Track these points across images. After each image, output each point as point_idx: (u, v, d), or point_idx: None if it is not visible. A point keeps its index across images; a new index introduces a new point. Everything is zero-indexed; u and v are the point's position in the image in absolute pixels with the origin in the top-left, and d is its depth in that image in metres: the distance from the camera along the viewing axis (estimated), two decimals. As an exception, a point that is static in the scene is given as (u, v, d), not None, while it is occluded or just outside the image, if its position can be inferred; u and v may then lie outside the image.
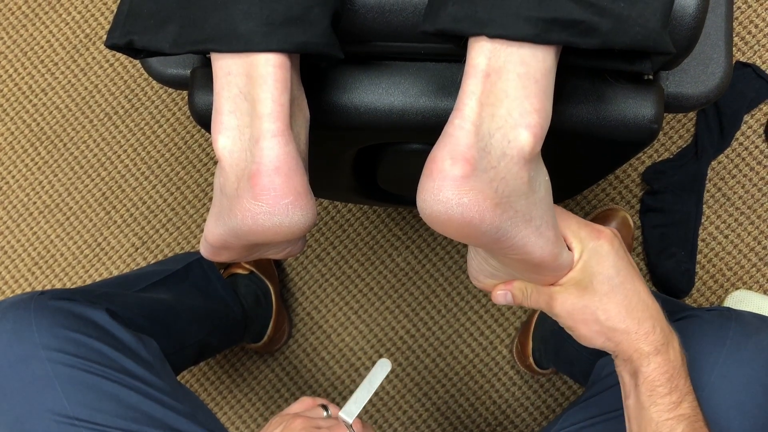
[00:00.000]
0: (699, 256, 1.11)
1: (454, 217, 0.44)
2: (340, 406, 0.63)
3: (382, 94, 0.58)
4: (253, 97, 0.47)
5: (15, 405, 0.64)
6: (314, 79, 0.57)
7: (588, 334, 0.53)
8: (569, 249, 0.52)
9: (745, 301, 1.07)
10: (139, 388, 0.66)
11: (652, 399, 0.51)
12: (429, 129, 0.58)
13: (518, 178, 0.45)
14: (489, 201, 0.44)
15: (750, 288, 1.10)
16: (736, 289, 1.10)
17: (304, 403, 0.66)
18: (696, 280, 1.11)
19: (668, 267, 1.09)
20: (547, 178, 0.49)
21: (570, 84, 0.57)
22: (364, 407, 1.11)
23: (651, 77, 0.59)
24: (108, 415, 0.63)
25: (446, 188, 0.44)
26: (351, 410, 0.61)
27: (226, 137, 0.48)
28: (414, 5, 0.53)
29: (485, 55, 0.44)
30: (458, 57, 0.47)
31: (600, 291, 0.51)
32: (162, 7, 0.49)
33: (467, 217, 0.44)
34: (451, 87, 0.58)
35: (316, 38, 0.48)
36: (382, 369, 0.63)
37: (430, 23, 0.46)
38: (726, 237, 1.11)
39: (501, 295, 0.56)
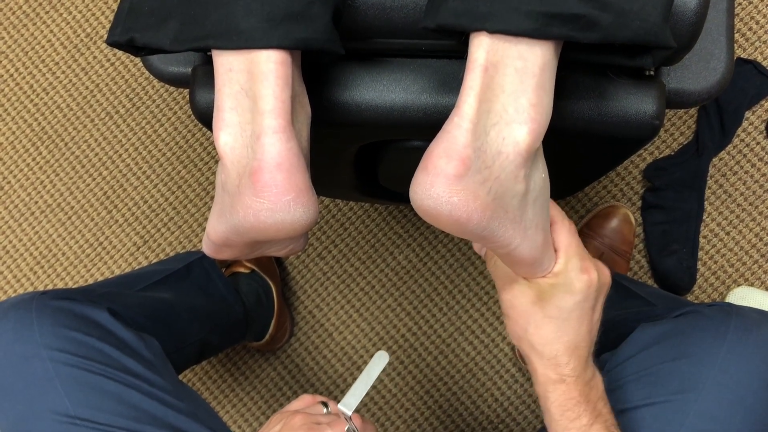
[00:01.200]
0: (701, 253, 1.11)
1: (443, 214, 0.45)
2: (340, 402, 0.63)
3: (383, 90, 0.58)
4: (255, 93, 0.47)
5: (17, 405, 0.64)
6: (315, 75, 0.57)
7: (512, 331, 0.55)
8: (558, 264, 0.53)
9: (747, 297, 1.07)
10: (141, 387, 0.66)
11: (563, 423, 0.54)
12: (430, 126, 0.58)
13: (513, 177, 0.46)
14: (479, 202, 0.45)
15: (752, 285, 1.10)
16: (738, 285, 1.10)
17: (304, 401, 0.66)
18: (698, 277, 1.11)
19: (670, 264, 1.09)
20: (545, 175, 0.49)
21: (571, 80, 0.57)
22: (365, 402, 1.12)
23: (652, 73, 0.59)
24: (109, 414, 0.63)
25: (438, 185, 0.44)
26: (350, 402, 0.61)
27: (227, 134, 0.48)
28: (415, 2, 0.53)
29: (484, 49, 0.44)
30: (460, 53, 0.47)
31: (547, 311, 0.53)
32: (163, 4, 0.49)
33: (455, 216, 0.45)
34: (453, 83, 0.58)
35: (316, 35, 0.48)
36: (380, 361, 0.63)
37: (431, 19, 0.46)
38: (728, 234, 1.11)
39: (478, 248, 0.59)
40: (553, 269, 0.53)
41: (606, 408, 0.56)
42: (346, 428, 0.60)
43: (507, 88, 0.44)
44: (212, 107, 0.50)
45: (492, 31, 0.44)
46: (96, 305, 0.69)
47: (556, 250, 0.54)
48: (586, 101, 0.57)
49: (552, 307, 0.53)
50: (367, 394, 0.62)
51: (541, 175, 0.49)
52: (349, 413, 0.60)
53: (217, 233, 0.51)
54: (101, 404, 0.63)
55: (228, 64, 0.48)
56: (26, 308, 0.66)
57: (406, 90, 0.58)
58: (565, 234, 0.54)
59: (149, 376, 0.67)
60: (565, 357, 0.53)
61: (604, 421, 0.54)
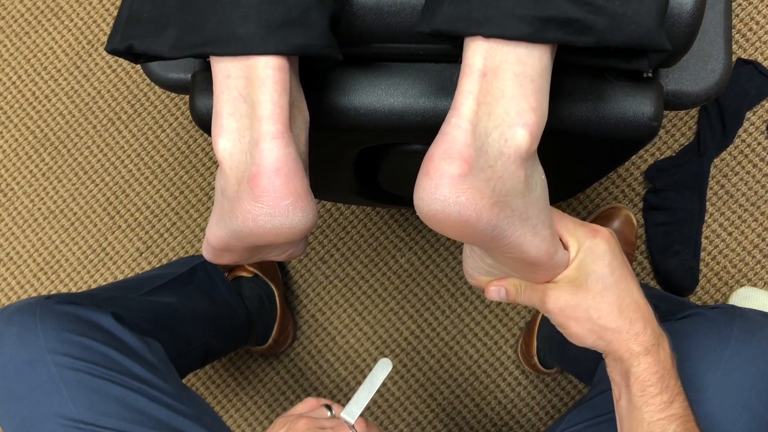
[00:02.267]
0: (703, 254, 1.11)
1: (452, 216, 0.45)
2: (344, 406, 0.63)
3: (381, 95, 0.58)
4: (253, 99, 0.47)
5: (21, 409, 0.64)
6: (313, 80, 0.57)
7: (579, 332, 0.53)
8: (565, 248, 0.53)
9: (750, 298, 1.07)
10: (145, 391, 0.66)
11: (644, 399, 0.52)
12: (429, 129, 0.58)
13: (515, 176, 0.46)
14: (486, 200, 0.44)
15: (755, 285, 1.10)
16: (741, 286, 1.10)
17: (307, 404, 0.66)
18: (700, 277, 1.10)
19: (672, 265, 1.09)
20: (544, 176, 0.50)
21: (569, 83, 0.57)
22: (368, 408, 1.12)
23: (650, 75, 0.59)
24: (114, 418, 0.64)
25: (443, 187, 0.44)
26: (352, 411, 0.61)
27: (226, 140, 0.48)
28: (412, 6, 0.53)
29: (481, 54, 0.44)
30: (457, 58, 0.47)
31: (593, 289, 0.52)
32: (161, 12, 0.49)
33: (464, 216, 0.44)
34: (451, 87, 0.58)
35: (314, 40, 0.48)
36: (383, 368, 0.63)
37: (426, 24, 0.47)
38: (730, 234, 1.11)
39: (494, 291, 0.57)
40: (569, 255, 0.53)
41: (682, 389, 0.54)
42: None
43: (507, 93, 0.44)
44: (211, 113, 0.50)
45: (488, 35, 0.44)
46: (100, 309, 0.69)
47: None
48: (585, 103, 0.57)
49: (594, 283, 0.52)
50: (374, 401, 0.62)
51: (540, 175, 0.49)
52: (352, 422, 0.61)
53: (217, 238, 0.52)
54: (105, 408, 0.64)
55: (226, 71, 0.48)
56: (30, 313, 0.66)
57: (404, 94, 0.58)
58: (557, 217, 0.53)
59: (153, 381, 0.67)
60: (640, 322, 0.52)
61: (682, 401, 0.53)
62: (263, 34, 0.46)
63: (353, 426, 0.61)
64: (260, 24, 0.46)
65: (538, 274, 0.52)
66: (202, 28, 0.48)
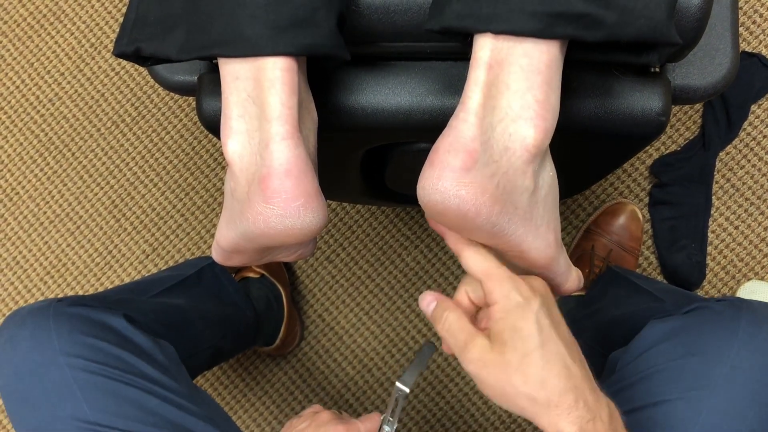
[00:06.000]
0: (710, 248, 1.11)
1: (451, 208, 0.44)
2: (353, 408, 0.63)
3: (388, 94, 0.58)
4: (262, 100, 0.47)
5: (36, 412, 0.64)
6: (321, 80, 0.57)
7: (506, 397, 0.46)
8: (489, 301, 0.48)
9: (757, 291, 1.07)
10: (158, 392, 0.66)
11: None
12: (436, 128, 0.58)
13: (521, 172, 0.45)
14: (487, 195, 0.44)
15: (762, 278, 1.10)
16: (748, 280, 1.10)
17: (316, 409, 0.67)
18: (707, 272, 1.10)
19: (679, 260, 1.08)
20: (553, 173, 0.49)
21: (576, 79, 0.57)
22: (377, 405, 1.12)
23: (658, 70, 0.59)
24: (128, 419, 0.64)
25: (445, 178, 0.44)
26: (407, 380, 0.59)
27: (235, 142, 0.48)
28: (419, 5, 0.53)
29: (488, 47, 0.44)
30: (464, 55, 0.47)
31: (518, 350, 0.45)
32: (169, 14, 0.49)
33: (463, 210, 0.44)
34: (458, 85, 0.58)
35: (322, 40, 0.48)
36: (429, 349, 0.63)
37: (435, 21, 0.46)
38: (736, 228, 1.11)
39: (425, 303, 0.53)
40: (572, 266, 0.51)
41: None
42: (380, 418, 0.61)
43: (512, 86, 0.44)
44: (219, 115, 0.50)
45: (497, 32, 0.44)
46: (112, 311, 0.69)
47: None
48: (592, 99, 0.57)
49: (518, 342, 0.46)
50: (420, 375, 0.60)
51: (549, 172, 0.49)
52: (407, 390, 0.60)
53: (227, 240, 0.52)
54: (120, 410, 0.64)
55: (234, 72, 0.48)
56: (44, 315, 0.66)
57: (411, 93, 0.58)
58: (486, 263, 0.48)
59: (166, 382, 0.67)
60: (571, 394, 0.45)
61: None
62: (271, 34, 0.46)
63: (406, 396, 0.60)
64: (268, 24, 0.46)
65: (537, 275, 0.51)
66: (209, 29, 0.48)
